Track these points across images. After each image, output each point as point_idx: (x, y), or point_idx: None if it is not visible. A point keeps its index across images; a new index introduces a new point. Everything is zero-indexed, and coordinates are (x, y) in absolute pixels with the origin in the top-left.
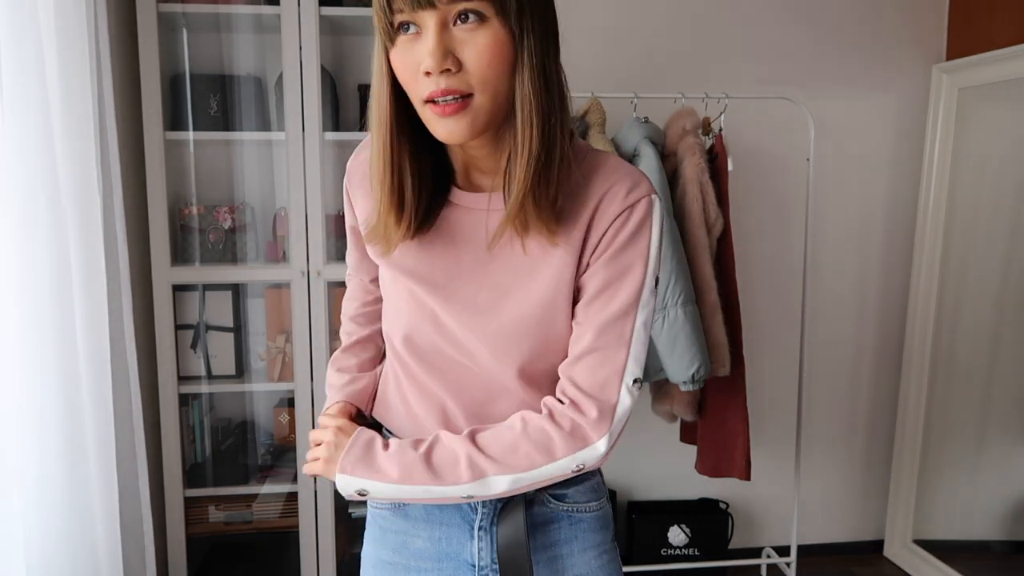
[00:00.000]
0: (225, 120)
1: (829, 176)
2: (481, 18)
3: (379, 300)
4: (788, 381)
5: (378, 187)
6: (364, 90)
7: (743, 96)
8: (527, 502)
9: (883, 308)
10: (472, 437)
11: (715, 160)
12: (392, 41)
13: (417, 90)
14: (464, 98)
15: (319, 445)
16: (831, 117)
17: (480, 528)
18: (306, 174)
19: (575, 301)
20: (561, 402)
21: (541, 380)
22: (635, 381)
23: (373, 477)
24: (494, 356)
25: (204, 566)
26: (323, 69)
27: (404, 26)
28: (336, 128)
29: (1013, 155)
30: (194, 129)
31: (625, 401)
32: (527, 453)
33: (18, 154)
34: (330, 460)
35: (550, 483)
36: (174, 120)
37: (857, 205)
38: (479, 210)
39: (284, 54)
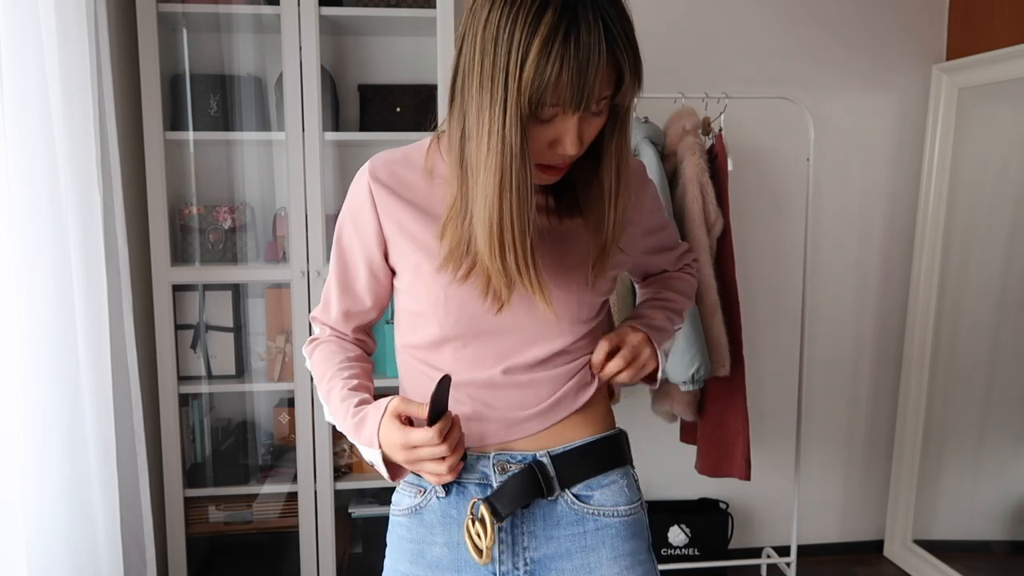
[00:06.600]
0: (225, 120)
1: (829, 176)
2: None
3: (364, 358)
4: (788, 381)
5: (496, 233)
6: (364, 90)
7: (743, 96)
8: (552, 500)
9: (883, 308)
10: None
11: (715, 160)
12: (527, 117)
13: (541, 155)
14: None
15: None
16: (831, 117)
17: (501, 529)
18: (306, 174)
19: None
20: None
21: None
22: None
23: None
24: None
25: (204, 566)
26: (323, 69)
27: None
28: (336, 128)
29: (1013, 155)
30: (194, 129)
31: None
32: (695, 287)
33: (18, 154)
34: (644, 367)
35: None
36: (174, 120)
37: (857, 205)
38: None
39: (284, 54)
